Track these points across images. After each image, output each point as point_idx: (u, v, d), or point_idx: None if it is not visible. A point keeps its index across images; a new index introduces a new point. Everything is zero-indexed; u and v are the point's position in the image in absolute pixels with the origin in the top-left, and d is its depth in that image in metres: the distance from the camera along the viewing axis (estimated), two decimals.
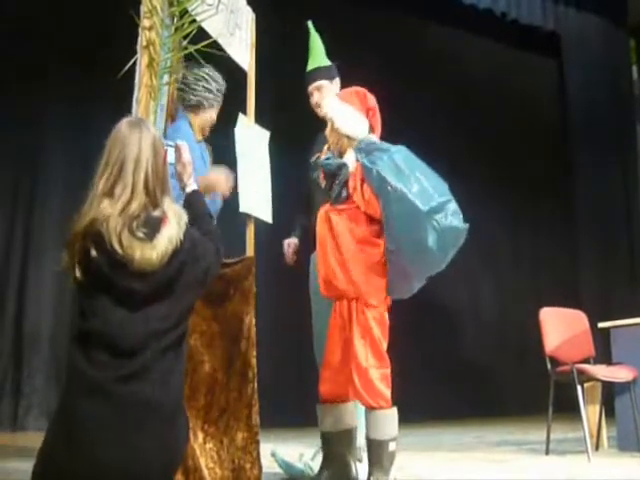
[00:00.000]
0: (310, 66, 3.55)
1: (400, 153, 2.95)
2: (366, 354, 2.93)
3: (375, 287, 2.97)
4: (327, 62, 3.54)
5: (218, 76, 3.06)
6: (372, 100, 3.14)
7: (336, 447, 3.14)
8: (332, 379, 3.07)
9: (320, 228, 3.06)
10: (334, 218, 3.00)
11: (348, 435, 3.14)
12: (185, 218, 1.90)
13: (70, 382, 1.76)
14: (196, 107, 3.00)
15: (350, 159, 3.02)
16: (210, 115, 3.05)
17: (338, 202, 3.02)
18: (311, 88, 3.52)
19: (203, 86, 2.99)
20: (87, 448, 1.67)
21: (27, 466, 1.75)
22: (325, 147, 3.31)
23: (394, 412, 3.00)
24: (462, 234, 2.92)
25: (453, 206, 2.90)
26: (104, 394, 1.71)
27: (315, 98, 3.52)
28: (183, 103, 3.00)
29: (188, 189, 2.27)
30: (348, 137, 3.05)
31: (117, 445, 1.68)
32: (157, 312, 1.81)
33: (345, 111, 3.06)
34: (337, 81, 3.51)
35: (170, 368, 1.80)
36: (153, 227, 1.82)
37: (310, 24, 3.56)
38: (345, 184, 3.01)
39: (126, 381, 1.73)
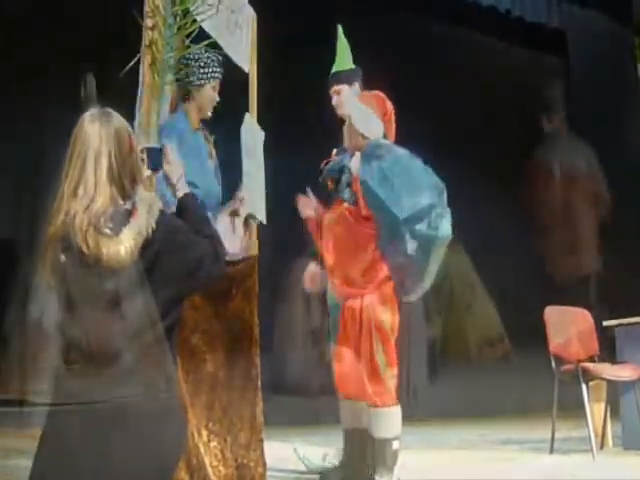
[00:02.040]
0: (333, 69, 3.64)
1: (388, 161, 3.01)
2: (377, 351, 2.95)
3: (387, 285, 3.03)
4: (349, 66, 3.61)
5: (203, 54, 2.87)
6: (390, 105, 3.23)
7: (353, 444, 3.15)
8: (345, 375, 3.08)
9: (335, 227, 3.11)
10: (349, 219, 3.08)
11: (366, 434, 3.13)
12: (158, 205, 1.78)
13: (53, 394, 1.72)
14: (192, 89, 2.87)
15: (355, 162, 3.08)
16: (207, 92, 2.88)
17: (350, 203, 3.12)
18: (331, 91, 3.62)
19: (197, 65, 2.86)
20: (71, 460, 1.64)
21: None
22: (334, 152, 3.41)
23: (397, 410, 3.00)
24: (442, 242, 2.96)
25: (438, 210, 2.93)
26: (85, 405, 1.65)
27: (334, 100, 3.61)
28: (179, 92, 2.90)
29: (179, 193, 2.11)
30: (362, 136, 3.12)
31: (102, 455, 1.63)
32: (133, 309, 1.70)
33: (363, 110, 3.17)
34: (356, 85, 3.59)
35: (156, 368, 1.71)
36: (120, 221, 1.72)
37: (340, 28, 3.62)
38: (350, 186, 3.09)
39: (106, 388, 1.66)
